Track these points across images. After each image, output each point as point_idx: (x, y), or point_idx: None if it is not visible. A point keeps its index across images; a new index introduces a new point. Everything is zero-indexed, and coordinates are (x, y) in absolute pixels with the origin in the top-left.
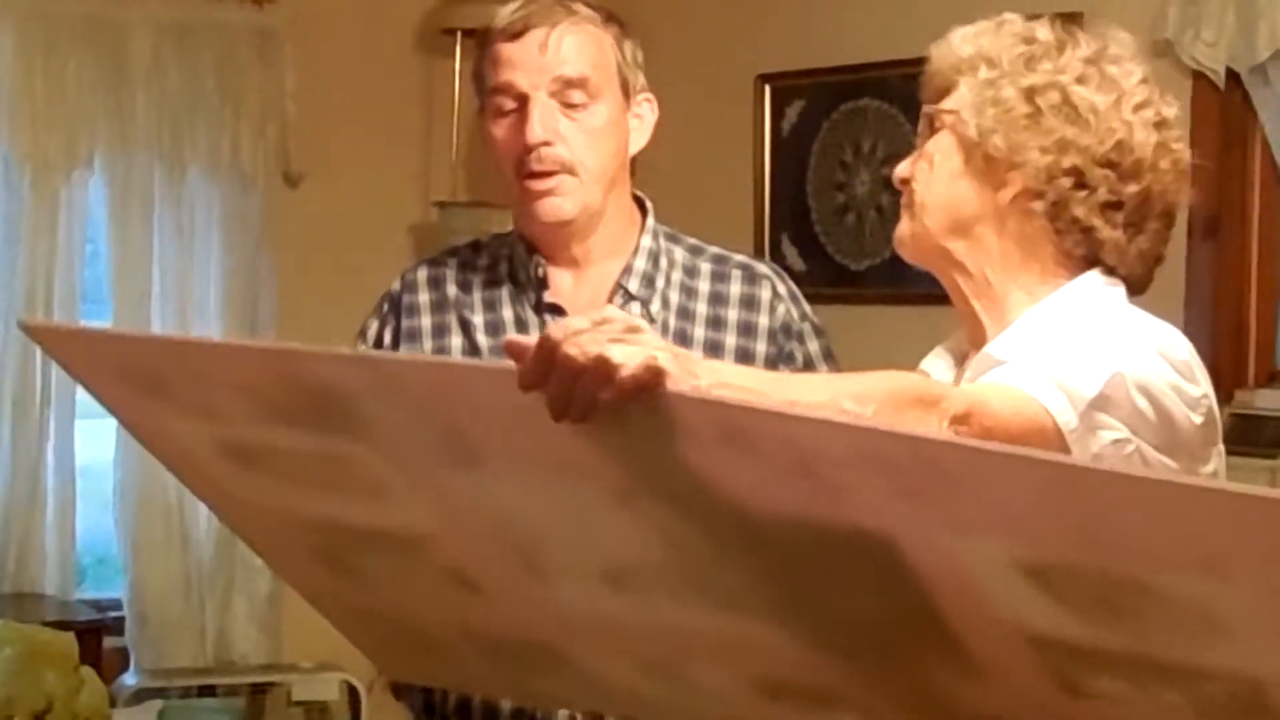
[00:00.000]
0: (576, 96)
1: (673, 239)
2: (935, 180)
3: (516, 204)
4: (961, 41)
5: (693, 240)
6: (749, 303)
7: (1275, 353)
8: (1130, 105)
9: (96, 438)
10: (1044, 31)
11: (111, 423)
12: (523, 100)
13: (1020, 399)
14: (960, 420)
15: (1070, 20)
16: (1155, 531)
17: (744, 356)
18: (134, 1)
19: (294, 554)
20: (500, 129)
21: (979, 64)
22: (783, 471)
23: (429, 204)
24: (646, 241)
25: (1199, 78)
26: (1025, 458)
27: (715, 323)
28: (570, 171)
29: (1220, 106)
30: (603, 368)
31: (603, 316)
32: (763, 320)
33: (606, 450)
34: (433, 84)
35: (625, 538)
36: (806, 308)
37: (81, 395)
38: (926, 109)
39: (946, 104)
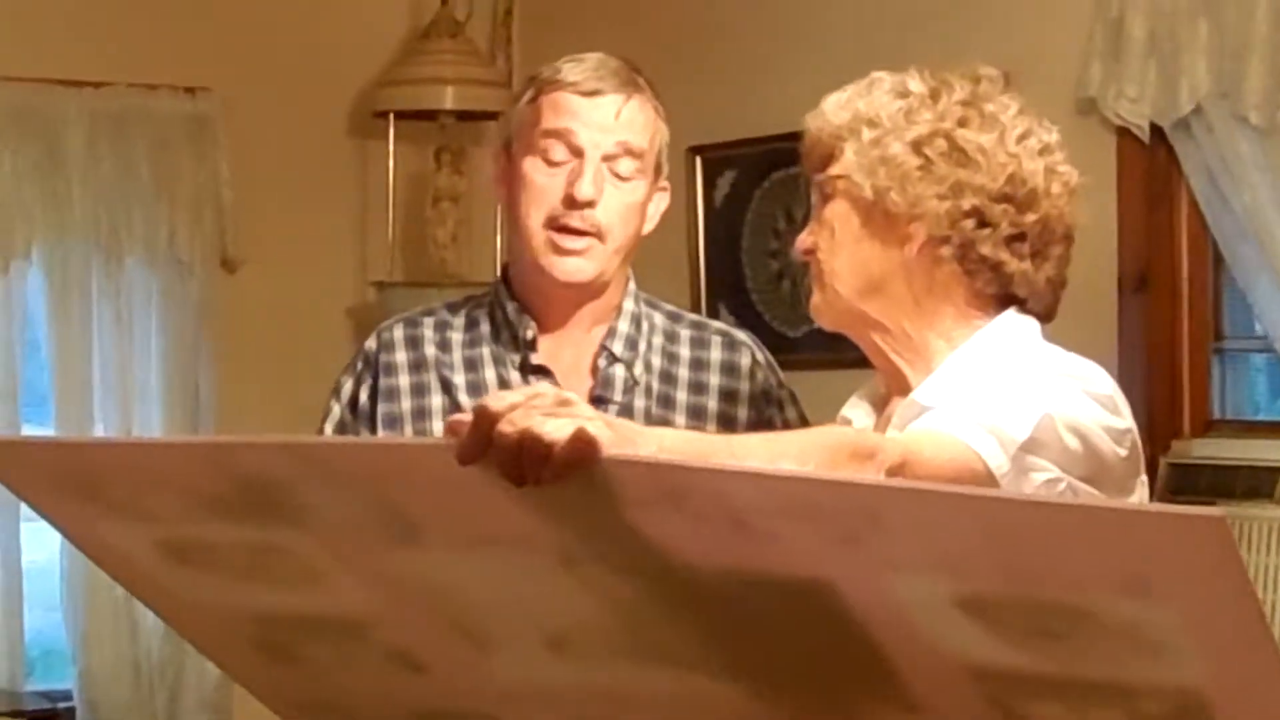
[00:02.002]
0: (626, 167)
1: (651, 304)
2: (839, 246)
3: (530, 254)
4: (837, 108)
5: (670, 307)
6: (730, 369)
7: (1209, 402)
8: (1014, 138)
9: (41, 540)
10: (915, 83)
11: None
12: (577, 154)
13: (952, 445)
14: (896, 471)
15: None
16: (1081, 556)
17: (726, 421)
18: (67, 92)
19: (237, 648)
20: (540, 174)
21: (860, 126)
22: (719, 527)
23: (366, 285)
24: (629, 305)
25: (1124, 134)
26: (951, 494)
27: (698, 387)
28: (600, 237)
29: (1146, 161)
30: (534, 444)
31: (535, 391)
32: (744, 386)
33: (547, 518)
34: (367, 166)
35: (567, 603)
36: (782, 376)
37: None
38: (816, 178)
39: (834, 170)
